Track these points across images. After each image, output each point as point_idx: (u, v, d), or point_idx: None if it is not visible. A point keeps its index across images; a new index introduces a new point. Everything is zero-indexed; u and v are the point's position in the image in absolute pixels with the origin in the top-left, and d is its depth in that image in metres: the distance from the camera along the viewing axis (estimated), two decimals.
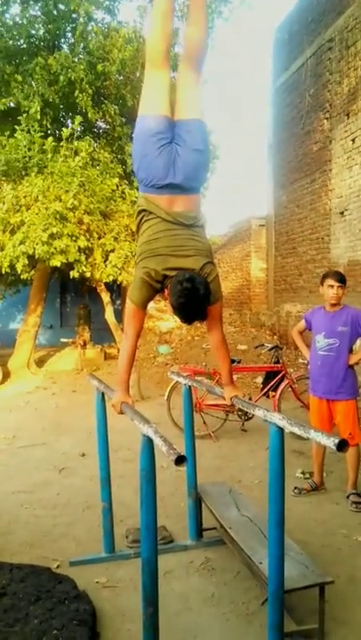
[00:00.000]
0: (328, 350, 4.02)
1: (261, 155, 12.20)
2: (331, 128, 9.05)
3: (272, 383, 5.79)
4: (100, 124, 9.77)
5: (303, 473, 4.60)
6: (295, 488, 4.22)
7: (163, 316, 12.98)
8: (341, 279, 3.96)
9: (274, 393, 5.77)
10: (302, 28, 10.02)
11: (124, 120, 8.82)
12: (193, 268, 2.46)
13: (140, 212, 2.58)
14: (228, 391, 2.74)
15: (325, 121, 9.23)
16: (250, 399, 5.43)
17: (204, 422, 5.75)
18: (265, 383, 5.90)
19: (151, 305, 13.91)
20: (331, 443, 1.78)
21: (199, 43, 2.51)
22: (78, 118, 6.87)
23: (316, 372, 4.12)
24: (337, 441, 1.75)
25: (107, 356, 11.65)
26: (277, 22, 11.23)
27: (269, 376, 5.87)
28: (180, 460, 1.68)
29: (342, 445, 1.76)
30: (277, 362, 5.87)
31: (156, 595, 2.11)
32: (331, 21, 8.96)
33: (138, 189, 2.72)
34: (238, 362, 5.99)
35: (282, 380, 5.76)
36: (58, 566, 3.09)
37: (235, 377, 7.72)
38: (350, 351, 4.03)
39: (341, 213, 8.78)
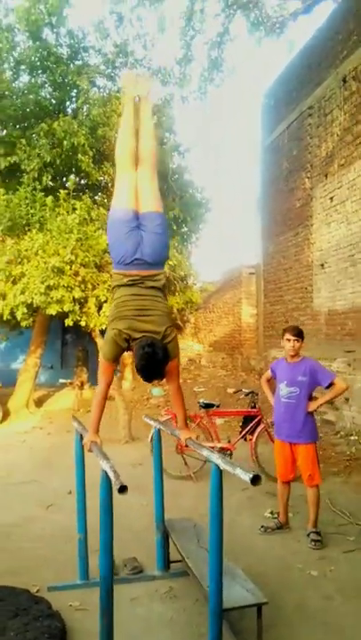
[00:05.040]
0: (290, 398, 4.46)
1: (253, 207, 12.92)
2: (312, 187, 9.74)
3: (249, 427, 6.18)
4: (102, 178, 10.47)
5: (272, 513, 4.94)
6: (262, 526, 4.57)
7: None
8: (298, 334, 4.45)
9: (251, 436, 6.15)
10: (286, 95, 10.88)
11: None
12: (156, 330, 2.96)
13: (114, 288, 3.11)
14: (183, 434, 3.19)
15: (307, 180, 9.94)
16: (217, 439, 5.85)
17: (186, 463, 6.11)
18: (243, 427, 6.29)
19: None
20: (247, 477, 2.23)
21: (151, 152, 3.20)
22: (72, 180, 7.59)
23: (280, 418, 4.55)
24: (251, 476, 2.21)
25: None
26: (265, 87, 12.13)
27: (247, 420, 6.27)
28: (122, 489, 2.13)
29: (255, 480, 2.20)
30: (254, 407, 6.28)
31: (111, 608, 2.50)
32: (310, 91, 9.79)
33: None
34: (217, 406, 6.42)
35: (258, 424, 6.16)
36: (37, 590, 3.45)
37: (221, 420, 8.11)
38: (310, 399, 4.47)
39: (322, 265, 9.36)
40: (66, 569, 3.82)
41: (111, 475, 2.30)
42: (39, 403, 11.56)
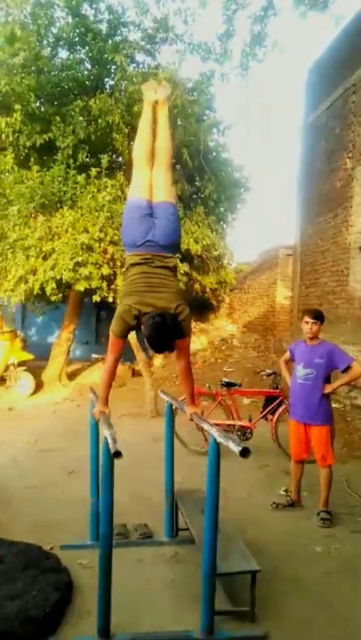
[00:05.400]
0: (306, 379, 4.49)
1: (293, 186, 12.74)
2: (353, 167, 9.49)
3: (270, 407, 6.24)
4: None
5: (286, 491, 5.01)
6: (273, 502, 4.67)
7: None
8: (316, 316, 4.46)
9: (272, 416, 6.21)
10: (330, 72, 10.56)
11: None
12: (166, 307, 3.04)
13: (126, 269, 3.22)
14: (189, 409, 3.31)
15: (348, 160, 9.69)
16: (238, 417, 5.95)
17: (206, 440, 6.21)
18: (264, 407, 6.35)
19: None
20: (237, 450, 2.31)
21: (166, 151, 3.38)
22: (105, 158, 7.67)
23: (295, 398, 4.60)
24: (240, 449, 2.29)
25: (134, 373, 12.28)
26: (309, 63, 11.82)
27: (269, 400, 6.32)
28: (116, 455, 2.27)
29: (244, 453, 2.29)
30: (276, 387, 6.31)
31: (110, 565, 2.67)
32: (355, 67, 9.47)
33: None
34: (239, 385, 6.50)
35: (280, 404, 6.20)
36: (51, 548, 3.68)
37: (248, 400, 8.15)
38: (327, 381, 4.48)
39: (359, 248, 9.17)
40: (79, 530, 4.03)
41: (110, 441, 2.43)
42: (72, 376, 11.91)
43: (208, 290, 12.52)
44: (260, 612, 2.96)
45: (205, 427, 2.85)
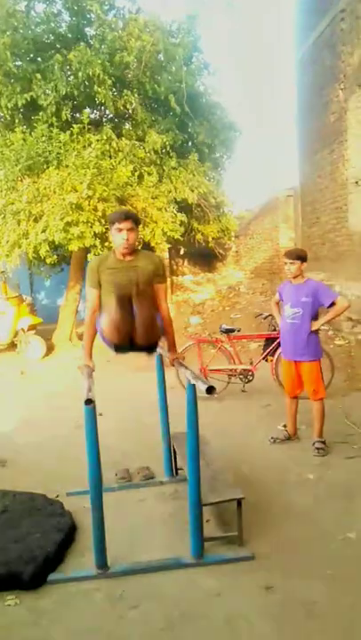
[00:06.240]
0: (294, 318, 4.57)
1: (292, 126, 12.38)
2: (345, 99, 9.20)
3: (270, 349, 6.35)
4: (127, 108, 10.30)
5: (285, 426, 5.18)
6: (271, 437, 4.85)
7: (197, 289, 13.65)
8: (295, 257, 4.52)
9: (272, 358, 6.34)
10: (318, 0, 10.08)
11: (144, 108, 9.32)
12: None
13: None
14: (170, 355, 3.46)
15: (340, 92, 9.37)
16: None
17: None
18: (264, 349, 6.47)
19: (190, 278, 14.59)
20: (203, 387, 2.44)
21: None
22: (86, 113, 7.55)
23: (285, 337, 4.70)
24: (206, 386, 2.42)
25: None
26: None
27: (268, 342, 6.43)
28: (87, 402, 2.42)
29: (210, 390, 2.41)
30: (274, 330, 6.40)
31: (101, 503, 2.88)
32: None
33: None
34: (238, 330, 6.61)
35: (279, 346, 6.29)
36: (57, 497, 3.91)
37: (256, 345, 8.23)
38: (314, 319, 4.55)
39: (357, 183, 9.01)
40: (85, 479, 4.26)
41: (85, 391, 2.58)
42: (83, 336, 12.13)
43: (211, 239, 12.45)
44: (250, 537, 3.16)
45: (182, 370, 2.98)
